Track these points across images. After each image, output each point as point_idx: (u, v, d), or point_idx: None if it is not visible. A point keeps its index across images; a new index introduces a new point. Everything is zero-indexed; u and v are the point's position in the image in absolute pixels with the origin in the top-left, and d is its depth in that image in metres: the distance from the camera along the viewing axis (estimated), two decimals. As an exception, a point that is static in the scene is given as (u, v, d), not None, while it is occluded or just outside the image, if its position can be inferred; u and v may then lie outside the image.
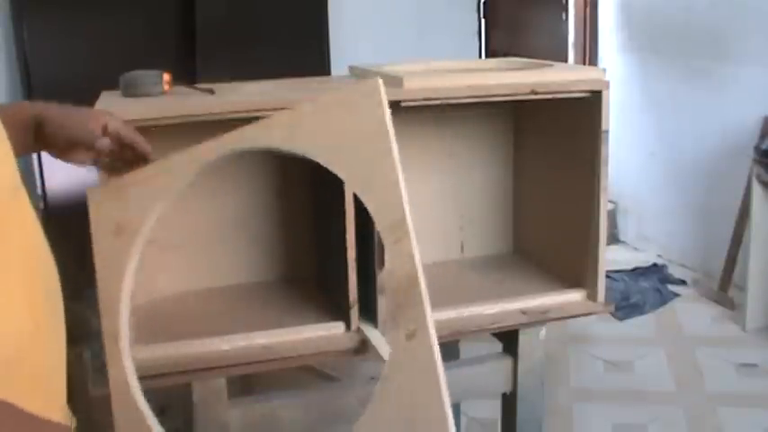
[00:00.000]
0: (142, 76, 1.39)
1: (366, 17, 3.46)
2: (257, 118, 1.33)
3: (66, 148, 1.10)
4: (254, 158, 1.65)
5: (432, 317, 0.77)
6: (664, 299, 3.42)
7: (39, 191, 2.76)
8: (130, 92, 1.38)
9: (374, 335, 1.39)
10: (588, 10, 4.21)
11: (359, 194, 0.82)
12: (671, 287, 3.54)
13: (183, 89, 1.44)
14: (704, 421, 2.49)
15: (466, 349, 1.93)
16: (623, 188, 4.04)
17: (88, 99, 1.28)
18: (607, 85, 1.47)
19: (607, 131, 1.47)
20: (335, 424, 1.47)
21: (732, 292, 3.34)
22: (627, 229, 4.16)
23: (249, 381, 1.93)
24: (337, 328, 1.43)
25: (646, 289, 3.49)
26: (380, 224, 0.77)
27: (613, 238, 4.09)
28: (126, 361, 0.98)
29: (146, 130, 1.29)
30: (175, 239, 1.61)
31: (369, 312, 1.43)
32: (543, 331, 1.58)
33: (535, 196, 1.77)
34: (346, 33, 3.31)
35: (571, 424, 2.50)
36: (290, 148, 0.91)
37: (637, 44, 3.97)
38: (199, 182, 1.62)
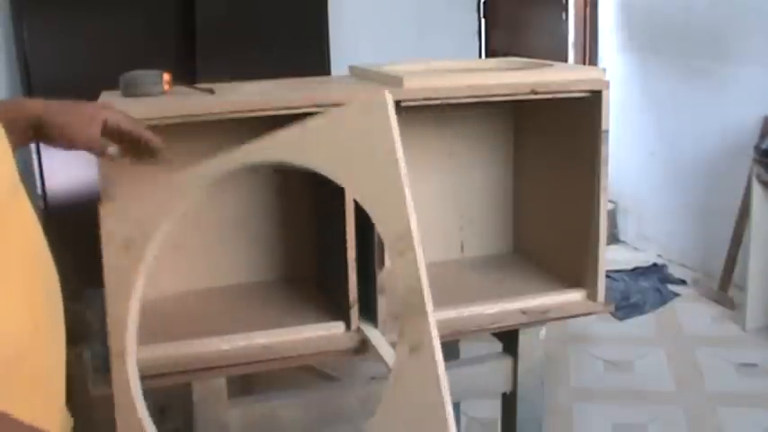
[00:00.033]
0: (142, 75, 1.39)
1: (366, 17, 3.46)
2: (257, 118, 1.34)
3: (68, 147, 1.09)
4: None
5: (436, 329, 0.77)
6: (664, 299, 3.42)
7: (39, 191, 2.76)
8: (130, 92, 1.38)
9: (374, 335, 1.39)
10: (588, 10, 4.21)
11: (364, 206, 0.82)
12: (671, 287, 3.54)
13: (183, 89, 1.44)
14: (704, 421, 2.49)
15: (466, 349, 1.93)
16: (623, 188, 4.04)
17: (88, 99, 1.28)
18: (607, 84, 1.47)
19: (607, 131, 1.47)
20: (335, 424, 1.47)
21: (732, 292, 3.34)
22: (627, 228, 4.16)
23: (249, 381, 1.93)
24: (337, 327, 1.44)
25: (646, 289, 3.49)
26: (385, 236, 0.77)
27: (613, 238, 4.09)
28: (132, 380, 0.97)
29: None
30: (175, 239, 1.61)
31: (369, 312, 1.43)
32: (543, 331, 1.58)
33: (535, 196, 1.77)
34: (346, 33, 3.31)
35: (571, 424, 2.50)
36: (299, 162, 0.91)
37: (637, 44, 3.97)
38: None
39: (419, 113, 1.59)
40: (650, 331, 3.16)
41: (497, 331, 1.54)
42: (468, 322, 1.49)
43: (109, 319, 1.00)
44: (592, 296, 1.56)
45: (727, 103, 3.43)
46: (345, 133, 0.86)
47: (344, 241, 1.39)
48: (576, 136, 1.55)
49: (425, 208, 1.77)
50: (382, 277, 1.39)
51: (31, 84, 2.75)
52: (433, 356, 0.77)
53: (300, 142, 0.90)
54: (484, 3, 3.84)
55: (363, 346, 1.41)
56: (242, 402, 1.43)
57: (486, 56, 3.87)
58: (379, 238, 1.38)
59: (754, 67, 3.29)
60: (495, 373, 1.59)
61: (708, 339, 3.05)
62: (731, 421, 2.47)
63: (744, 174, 3.19)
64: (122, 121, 1.12)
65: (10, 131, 0.81)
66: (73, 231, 1.91)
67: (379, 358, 1.32)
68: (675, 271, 3.71)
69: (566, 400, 2.63)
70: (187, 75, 2.82)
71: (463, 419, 2.39)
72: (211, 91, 1.41)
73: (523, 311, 1.53)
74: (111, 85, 1.44)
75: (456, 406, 2.09)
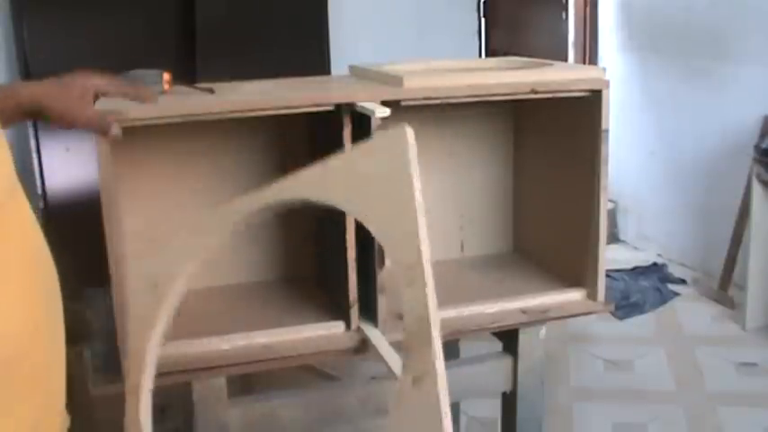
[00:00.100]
0: (142, 75, 1.39)
1: (366, 17, 3.46)
2: (257, 118, 1.34)
3: (67, 128, 1.13)
4: (254, 158, 1.65)
5: (442, 361, 0.76)
6: (664, 298, 3.42)
7: (39, 191, 2.76)
8: (130, 91, 1.38)
9: (374, 334, 1.39)
10: (588, 9, 4.21)
11: (377, 237, 0.82)
12: (671, 286, 3.54)
13: (182, 89, 1.44)
14: (704, 420, 2.49)
15: (466, 348, 1.93)
16: (623, 187, 4.05)
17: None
18: (607, 84, 1.46)
19: (607, 131, 1.47)
20: (335, 423, 1.47)
21: (732, 292, 3.34)
22: (627, 228, 4.16)
23: (249, 380, 1.93)
24: (337, 327, 1.44)
25: (646, 288, 3.50)
26: (396, 266, 0.77)
27: (613, 238, 4.10)
28: (143, 417, 0.97)
29: (146, 129, 1.30)
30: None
31: (369, 312, 1.43)
32: (543, 330, 1.58)
33: (535, 195, 1.77)
34: (346, 33, 3.31)
35: (571, 423, 2.50)
36: (322, 200, 0.91)
37: (637, 43, 3.97)
38: (199, 181, 1.62)
39: (419, 113, 1.59)
40: (650, 331, 3.16)
41: (497, 331, 1.54)
42: (468, 322, 1.49)
43: (129, 354, 1.00)
44: (592, 296, 1.56)
45: (727, 102, 3.43)
46: (364, 167, 0.86)
47: (344, 241, 1.39)
48: (575, 135, 1.55)
49: (425, 207, 1.77)
50: (382, 277, 1.39)
51: (31, 84, 2.74)
52: (436, 389, 0.76)
53: (324, 179, 0.91)
54: (484, 2, 3.84)
55: (363, 346, 1.41)
56: (242, 402, 1.43)
57: (486, 55, 3.87)
58: (379, 237, 1.39)
59: (754, 66, 3.29)
60: (495, 372, 1.59)
61: (708, 339, 3.05)
62: (731, 421, 2.47)
63: (744, 173, 3.19)
64: (107, 87, 1.16)
65: (3, 119, 0.81)
66: (73, 231, 1.92)
67: (380, 358, 1.32)
68: (675, 270, 3.71)
69: (566, 399, 2.63)
70: (187, 74, 2.82)
71: (463, 419, 2.39)
72: (211, 91, 1.41)
73: (523, 311, 1.53)
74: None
75: (456, 405, 2.09)
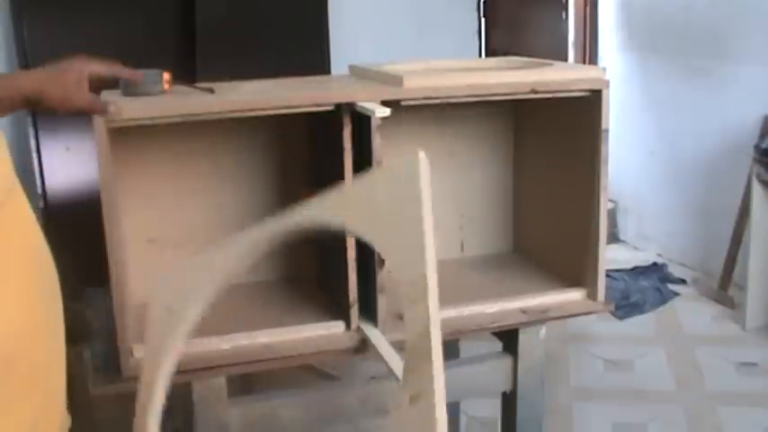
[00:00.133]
0: (142, 75, 1.39)
1: (366, 17, 3.46)
2: (257, 117, 1.34)
3: (69, 113, 1.17)
4: (254, 158, 1.65)
5: (442, 381, 0.76)
6: (664, 298, 3.42)
7: (39, 190, 2.76)
8: (130, 91, 1.38)
9: (374, 334, 1.40)
10: (588, 9, 4.21)
11: (385, 257, 0.83)
12: (671, 286, 3.54)
13: (183, 88, 1.44)
14: (704, 420, 2.49)
15: (466, 348, 1.93)
16: (623, 187, 4.04)
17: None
18: (607, 84, 1.47)
19: (607, 130, 1.47)
20: (335, 423, 1.47)
21: (732, 291, 3.34)
22: (627, 228, 4.16)
23: (249, 380, 1.93)
24: (337, 327, 1.44)
25: (646, 288, 3.49)
26: (401, 284, 0.78)
27: (613, 237, 4.09)
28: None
29: (146, 129, 1.30)
30: (176, 238, 1.61)
31: (369, 311, 1.43)
32: (543, 330, 1.58)
33: (535, 195, 1.77)
34: (346, 33, 3.31)
35: (571, 423, 2.50)
36: (340, 225, 0.92)
37: (637, 43, 3.97)
38: (199, 181, 1.62)
39: (419, 113, 1.59)
40: (650, 330, 3.16)
41: (497, 330, 1.54)
42: (469, 321, 1.49)
43: (143, 374, 1.01)
44: (592, 295, 1.56)
45: (728, 102, 3.43)
46: (378, 192, 0.87)
47: (344, 241, 1.39)
48: (576, 135, 1.55)
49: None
50: (382, 277, 1.39)
51: (31, 83, 2.74)
52: (432, 409, 0.75)
53: (341, 205, 0.92)
54: (484, 2, 3.84)
55: (363, 346, 1.41)
56: (242, 402, 1.43)
57: (486, 55, 3.87)
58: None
59: (754, 66, 3.29)
60: (495, 372, 1.59)
61: (708, 339, 3.05)
62: (731, 420, 2.47)
63: (744, 173, 3.19)
64: (100, 71, 1.21)
65: (3, 107, 0.82)
66: (73, 231, 1.92)
67: (379, 357, 1.32)
68: (675, 270, 3.70)
69: (566, 399, 2.63)
70: (187, 74, 2.82)
71: (463, 419, 2.39)
72: (211, 90, 1.41)
73: (523, 311, 1.53)
74: (112, 84, 1.44)
75: (456, 405, 2.09)
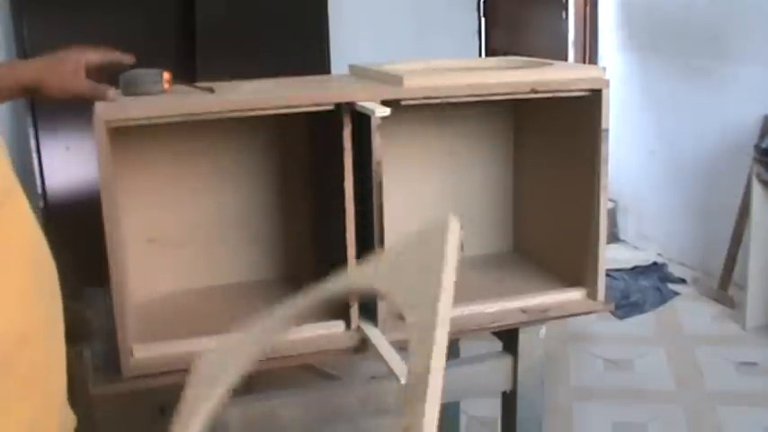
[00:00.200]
0: (142, 74, 1.39)
1: (366, 17, 3.46)
2: (257, 117, 1.34)
3: (69, 98, 1.22)
4: (254, 158, 1.65)
5: (434, 424, 0.77)
6: (664, 297, 3.42)
7: (39, 190, 2.76)
8: (130, 91, 1.38)
9: (374, 333, 1.39)
10: (588, 8, 4.21)
11: (396, 302, 0.84)
12: (671, 286, 3.54)
13: (182, 88, 1.43)
14: (704, 420, 2.49)
15: (466, 348, 1.93)
16: (623, 187, 4.05)
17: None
18: (607, 83, 1.46)
19: (607, 130, 1.47)
20: (335, 423, 1.47)
21: (732, 291, 3.34)
22: (627, 227, 4.16)
23: (249, 380, 1.93)
24: (337, 326, 1.44)
25: (646, 288, 3.50)
26: (411, 323, 0.78)
27: (613, 237, 4.10)
28: None
29: (146, 128, 1.30)
30: (176, 238, 1.62)
31: (368, 311, 1.43)
32: (543, 330, 1.58)
33: (535, 195, 1.77)
34: (346, 33, 3.31)
35: (571, 423, 2.50)
36: (376, 287, 0.93)
37: (637, 43, 3.97)
38: (199, 181, 1.62)
39: (419, 112, 1.59)
40: (650, 330, 3.16)
41: (497, 330, 1.54)
42: (469, 321, 1.49)
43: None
44: (592, 295, 1.56)
45: (727, 102, 3.43)
46: (407, 253, 0.88)
47: (344, 240, 1.39)
48: (575, 135, 1.55)
49: (425, 207, 1.77)
50: (382, 276, 1.39)
51: (31, 83, 2.74)
52: None
53: (377, 267, 0.93)
54: (484, 2, 3.84)
55: (363, 345, 1.41)
56: (242, 402, 1.43)
57: (486, 55, 3.87)
58: (379, 236, 1.39)
59: (754, 66, 3.29)
60: (495, 371, 1.59)
61: (708, 338, 3.05)
62: (731, 420, 2.47)
63: (744, 173, 3.19)
64: (95, 58, 1.23)
65: (2, 96, 0.84)
66: (73, 231, 1.92)
67: (379, 357, 1.32)
68: (675, 270, 3.71)
69: (566, 399, 2.63)
70: (187, 74, 2.82)
71: (463, 418, 2.39)
72: (211, 90, 1.41)
73: (523, 310, 1.53)
74: (111, 83, 1.44)
75: (456, 405, 2.09)
